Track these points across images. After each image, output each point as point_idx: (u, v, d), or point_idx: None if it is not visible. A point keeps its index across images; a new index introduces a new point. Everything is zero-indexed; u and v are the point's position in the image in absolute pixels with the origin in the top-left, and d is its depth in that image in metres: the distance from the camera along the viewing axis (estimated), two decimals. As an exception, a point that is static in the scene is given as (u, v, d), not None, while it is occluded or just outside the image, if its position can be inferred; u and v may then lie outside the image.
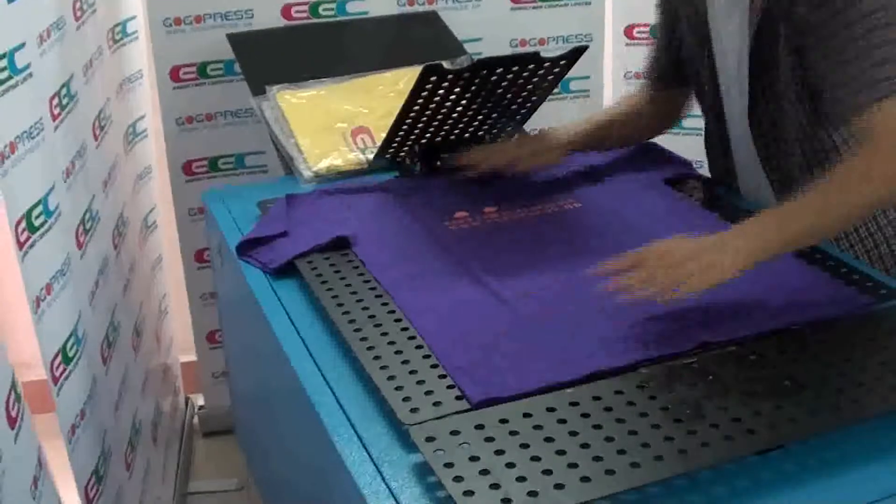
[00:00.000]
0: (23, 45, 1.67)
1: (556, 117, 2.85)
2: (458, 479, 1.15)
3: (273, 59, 2.45)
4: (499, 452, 1.19)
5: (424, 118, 1.99)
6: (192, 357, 3.00)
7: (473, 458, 1.18)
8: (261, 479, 2.18)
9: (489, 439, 1.22)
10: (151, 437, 2.46)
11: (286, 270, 1.74)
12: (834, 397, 1.30)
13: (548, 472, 1.16)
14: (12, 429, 1.41)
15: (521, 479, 1.15)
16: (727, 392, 1.30)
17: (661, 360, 1.38)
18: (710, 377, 1.34)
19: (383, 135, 2.12)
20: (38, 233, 1.66)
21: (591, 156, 2.10)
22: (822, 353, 1.39)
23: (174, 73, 2.63)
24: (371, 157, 2.15)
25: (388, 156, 2.11)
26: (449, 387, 1.33)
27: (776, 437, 1.23)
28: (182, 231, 2.79)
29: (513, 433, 1.23)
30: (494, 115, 2.08)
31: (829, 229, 1.62)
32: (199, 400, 3.10)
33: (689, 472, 1.18)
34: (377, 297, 1.58)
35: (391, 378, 1.36)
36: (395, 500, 1.17)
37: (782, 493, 1.18)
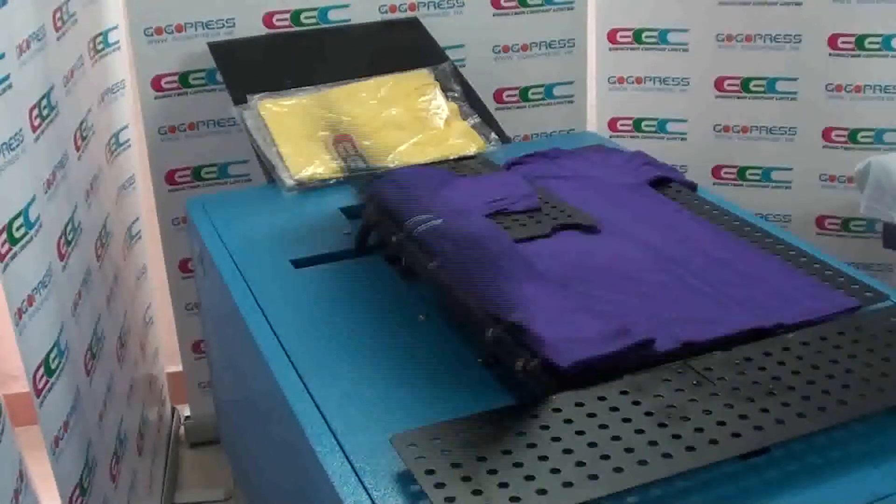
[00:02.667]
0: (2, 55, 1.66)
1: (541, 123, 2.87)
2: (439, 485, 1.14)
3: (254, 67, 2.44)
4: (481, 459, 1.18)
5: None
6: (179, 367, 2.99)
7: (455, 465, 1.17)
8: (246, 489, 2.17)
9: (471, 446, 1.21)
10: (137, 448, 2.44)
11: (268, 279, 1.73)
12: (820, 399, 1.29)
13: (530, 477, 1.15)
14: (-8, 442, 1.40)
15: (502, 485, 1.14)
16: (712, 395, 1.30)
17: (646, 365, 1.38)
18: (695, 381, 1.33)
19: (366, 142, 2.12)
20: (20, 244, 1.65)
21: (575, 159, 2.09)
22: (807, 356, 1.39)
23: (156, 83, 2.62)
24: (353, 164, 2.14)
25: None
26: (431, 394, 1.33)
27: (762, 440, 1.22)
28: (166, 241, 2.78)
29: (495, 439, 1.22)
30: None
31: None
32: (186, 410, 3.09)
33: (673, 475, 1.17)
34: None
35: (373, 386, 1.35)
36: (377, 509, 1.17)
37: (768, 499, 1.18)
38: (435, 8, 2.72)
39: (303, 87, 2.34)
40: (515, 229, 1.76)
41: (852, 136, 2.84)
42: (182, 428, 3.09)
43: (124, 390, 2.36)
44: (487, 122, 2.37)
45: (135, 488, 2.33)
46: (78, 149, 2.15)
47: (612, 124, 3.06)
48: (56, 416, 1.75)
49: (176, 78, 2.62)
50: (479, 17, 2.78)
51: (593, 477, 1.15)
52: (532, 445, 1.21)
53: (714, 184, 2.98)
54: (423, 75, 2.43)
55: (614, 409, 1.28)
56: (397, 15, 2.70)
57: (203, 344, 2.79)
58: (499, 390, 1.35)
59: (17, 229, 1.65)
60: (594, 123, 3.06)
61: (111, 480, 2.09)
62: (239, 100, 2.31)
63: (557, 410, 1.27)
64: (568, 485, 1.14)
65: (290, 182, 2.11)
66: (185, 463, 2.99)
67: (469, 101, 2.41)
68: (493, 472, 1.16)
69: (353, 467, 1.24)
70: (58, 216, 1.91)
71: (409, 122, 2.29)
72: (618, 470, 1.16)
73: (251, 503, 2.14)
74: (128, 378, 2.42)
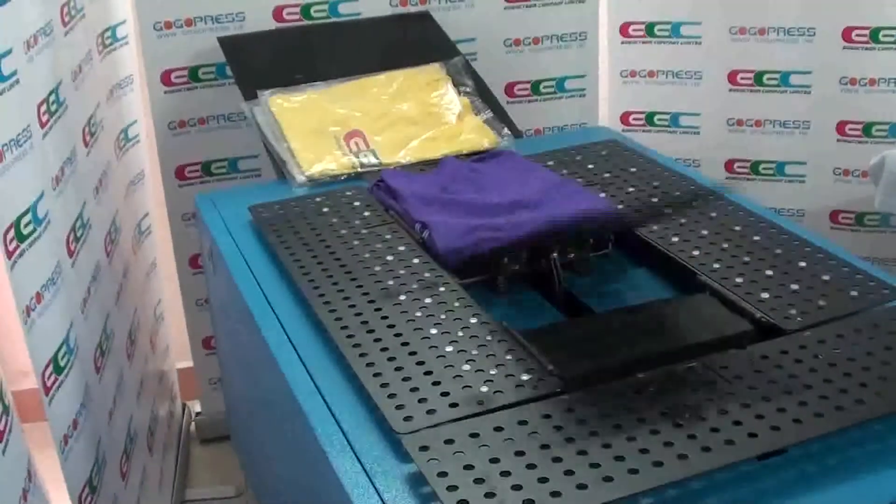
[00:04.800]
0: (10, 51, 1.65)
1: (553, 117, 2.86)
2: (452, 488, 1.13)
3: (265, 61, 2.42)
4: (494, 461, 1.17)
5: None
6: (190, 363, 2.98)
7: (468, 467, 1.16)
8: (256, 486, 2.16)
9: (484, 447, 1.20)
10: (147, 445, 2.44)
11: (277, 275, 1.72)
12: (837, 398, 1.28)
13: (544, 479, 1.14)
14: (0, 441, 1.39)
15: (516, 487, 1.13)
16: (728, 394, 1.28)
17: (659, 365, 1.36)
18: (711, 380, 1.31)
19: (377, 138, 2.10)
20: (27, 241, 1.64)
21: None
22: (824, 353, 1.37)
23: (165, 78, 2.60)
24: (364, 160, 2.13)
25: None
26: (443, 394, 1.31)
27: (779, 440, 1.21)
28: (176, 236, 2.77)
29: (508, 441, 1.21)
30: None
31: None
32: (197, 406, 3.08)
33: (689, 477, 1.16)
34: (370, 302, 1.56)
35: (384, 385, 1.33)
36: (388, 510, 1.15)
37: (785, 500, 1.16)
38: (446, 1, 2.70)
39: (313, 83, 2.33)
40: None
41: (866, 129, 2.82)
42: (193, 424, 3.08)
43: (134, 387, 2.35)
44: (500, 117, 2.35)
45: (145, 485, 2.32)
46: (86, 144, 2.14)
47: (625, 118, 3.05)
48: (65, 414, 1.74)
49: (185, 72, 2.61)
50: (491, 10, 2.76)
51: (608, 479, 1.13)
52: (545, 447, 1.19)
53: (727, 178, 2.96)
54: (434, 70, 2.41)
55: (629, 409, 1.26)
56: (408, 9, 2.68)
57: (213, 340, 2.78)
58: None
59: (26, 226, 1.64)
60: (606, 117, 3.05)
61: (121, 478, 2.08)
62: (249, 95, 2.29)
63: (571, 411, 1.26)
64: (582, 487, 1.12)
65: (300, 178, 2.10)
66: (195, 459, 2.99)
67: (481, 95, 2.40)
68: (506, 473, 1.15)
69: (363, 468, 1.22)
70: (66, 213, 1.90)
71: (421, 117, 2.27)
72: (633, 471, 1.14)
73: (262, 500, 2.13)
74: (138, 375, 2.42)
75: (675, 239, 1.74)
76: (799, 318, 1.46)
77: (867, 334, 1.42)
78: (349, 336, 1.46)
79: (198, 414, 3.07)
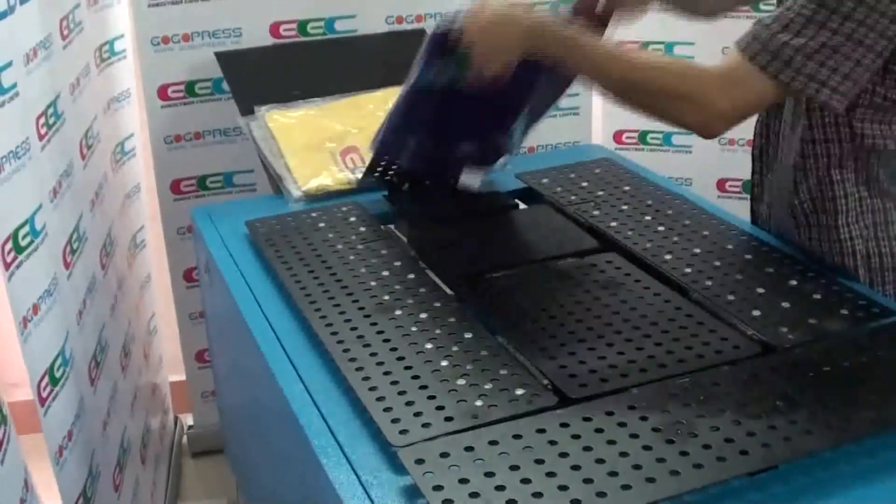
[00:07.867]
0: (9, 63, 1.66)
1: (547, 135, 2.87)
2: (447, 501, 1.14)
3: (261, 77, 2.43)
4: (489, 474, 1.18)
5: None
6: (182, 376, 2.98)
7: (463, 481, 1.17)
8: (249, 498, 2.16)
9: (479, 461, 1.21)
10: (140, 458, 2.44)
11: (274, 289, 1.73)
12: (828, 416, 1.29)
13: (538, 494, 1.15)
14: (-2, 452, 1.39)
15: (511, 501, 1.14)
16: (720, 412, 1.29)
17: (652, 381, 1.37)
18: (703, 397, 1.33)
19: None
20: (25, 253, 1.65)
21: None
22: (814, 372, 1.38)
23: (162, 92, 2.61)
24: (360, 176, 2.14)
25: (376, 175, 2.10)
26: (438, 408, 1.32)
27: (770, 458, 1.22)
28: (170, 250, 2.78)
29: (503, 455, 1.22)
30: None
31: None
32: (189, 419, 3.08)
33: (681, 493, 1.17)
34: (366, 317, 1.57)
35: (380, 399, 1.35)
36: (384, 523, 1.16)
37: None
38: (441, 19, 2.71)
39: (310, 99, 2.34)
40: None
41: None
42: (185, 437, 3.08)
43: (128, 399, 2.36)
44: (494, 134, 2.36)
45: (138, 497, 2.32)
46: (83, 157, 2.15)
47: (618, 137, 3.06)
48: (60, 425, 1.75)
49: (182, 87, 2.62)
50: (486, 28, 2.77)
51: (601, 494, 1.14)
52: (540, 461, 1.20)
53: (718, 197, 2.98)
54: (429, 87, 2.42)
55: (622, 424, 1.27)
56: (404, 26, 2.70)
57: (207, 353, 2.78)
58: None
59: (23, 238, 1.65)
60: (600, 136, 3.06)
61: (114, 490, 2.08)
62: (246, 110, 2.30)
63: (565, 425, 1.27)
64: (576, 502, 1.13)
65: (297, 193, 2.11)
66: (187, 472, 2.99)
67: (475, 112, 2.41)
68: (501, 488, 1.16)
69: (360, 480, 1.23)
70: (63, 225, 1.91)
71: (416, 133, 2.28)
72: (626, 487, 1.16)
73: (254, 514, 2.13)
74: (131, 387, 2.42)
75: (668, 256, 1.75)
76: (790, 336, 1.47)
77: (857, 353, 1.44)
78: (345, 350, 1.48)
79: (190, 427, 3.08)
